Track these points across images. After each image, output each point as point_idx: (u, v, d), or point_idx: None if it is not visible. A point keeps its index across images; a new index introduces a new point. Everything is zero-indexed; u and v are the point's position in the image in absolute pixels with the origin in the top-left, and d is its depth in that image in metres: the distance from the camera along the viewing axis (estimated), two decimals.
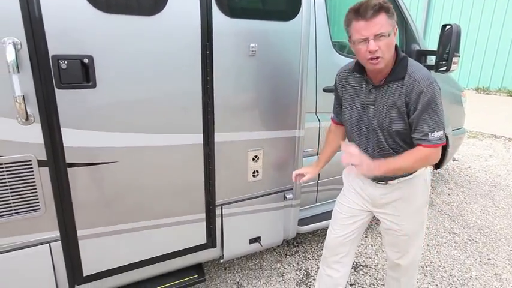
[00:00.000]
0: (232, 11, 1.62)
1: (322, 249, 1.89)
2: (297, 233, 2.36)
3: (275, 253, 2.68)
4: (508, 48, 9.44)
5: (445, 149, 3.40)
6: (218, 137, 1.75)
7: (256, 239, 2.11)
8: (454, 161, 4.77)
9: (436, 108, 1.37)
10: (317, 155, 2.45)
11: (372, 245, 2.82)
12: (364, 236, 2.94)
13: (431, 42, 8.69)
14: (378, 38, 1.33)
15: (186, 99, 1.62)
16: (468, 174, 4.38)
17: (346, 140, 1.71)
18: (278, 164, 2.02)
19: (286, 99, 1.92)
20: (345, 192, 1.79)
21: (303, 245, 2.79)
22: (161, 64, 1.52)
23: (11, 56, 1.21)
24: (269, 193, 2.06)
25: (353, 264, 2.56)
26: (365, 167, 1.39)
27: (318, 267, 2.39)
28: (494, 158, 4.95)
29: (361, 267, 2.55)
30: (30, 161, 1.37)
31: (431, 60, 2.73)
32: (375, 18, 1.31)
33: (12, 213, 1.40)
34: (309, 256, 2.65)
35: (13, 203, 1.39)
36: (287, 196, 2.12)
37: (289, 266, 2.54)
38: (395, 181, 1.58)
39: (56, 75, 1.33)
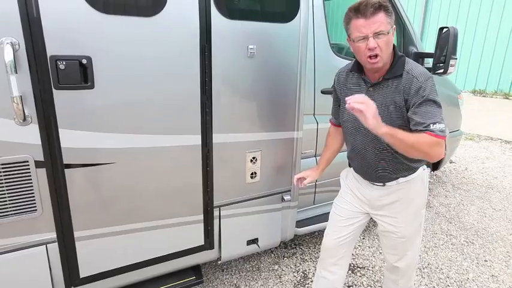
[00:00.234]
0: (230, 13, 1.63)
1: (319, 251, 1.89)
2: (295, 235, 2.36)
3: (273, 255, 2.68)
4: (504, 52, 9.52)
5: None
6: (216, 138, 1.75)
7: (254, 241, 2.10)
8: (451, 163, 4.79)
9: (435, 102, 1.37)
10: (315, 156, 2.45)
11: (369, 247, 2.82)
12: (362, 237, 2.94)
13: (428, 45, 8.75)
14: (377, 36, 1.35)
15: (185, 100, 1.62)
16: (465, 176, 4.41)
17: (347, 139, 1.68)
18: (276, 166, 2.02)
19: (284, 100, 1.92)
20: (343, 194, 1.79)
21: (301, 247, 2.78)
22: (159, 65, 1.51)
23: (8, 56, 1.20)
24: (267, 195, 2.06)
25: (350, 265, 2.56)
26: (371, 116, 1.29)
27: (316, 269, 2.40)
28: (491, 160, 4.98)
29: (359, 268, 2.55)
30: (27, 161, 1.37)
31: (429, 62, 2.75)
32: (374, 16, 1.33)
33: (8, 215, 1.39)
34: (306, 258, 2.65)
35: (10, 204, 1.38)
36: (285, 198, 2.12)
37: (286, 267, 2.54)
38: (393, 182, 1.58)
39: (54, 76, 1.32)
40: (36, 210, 1.43)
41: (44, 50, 1.29)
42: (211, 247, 1.93)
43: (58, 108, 1.36)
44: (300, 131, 2.02)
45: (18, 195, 1.39)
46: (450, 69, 2.44)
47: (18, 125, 1.32)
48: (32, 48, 1.27)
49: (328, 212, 1.86)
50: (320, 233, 2.84)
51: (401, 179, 1.57)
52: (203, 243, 1.90)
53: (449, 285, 2.41)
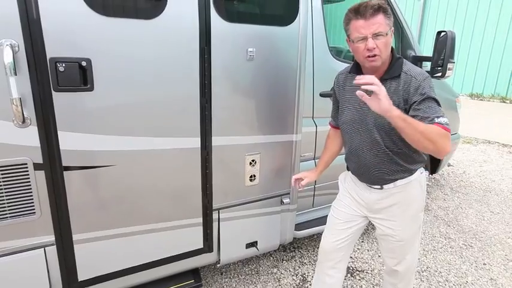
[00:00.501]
0: (230, 16, 1.63)
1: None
2: (294, 238, 2.36)
3: (272, 258, 2.67)
4: (501, 55, 9.59)
5: None
6: (216, 140, 1.75)
7: (253, 244, 2.10)
8: (449, 166, 4.80)
9: (435, 99, 1.39)
10: (314, 159, 2.45)
11: (368, 250, 2.82)
12: (361, 241, 2.94)
13: (425, 49, 8.80)
14: (376, 37, 1.37)
15: (184, 103, 1.62)
16: (463, 179, 4.42)
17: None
18: (275, 169, 2.02)
19: (283, 103, 1.92)
20: (341, 197, 1.79)
21: (300, 250, 2.78)
22: (159, 67, 1.52)
23: (8, 58, 1.20)
24: (266, 197, 2.05)
25: (349, 269, 2.55)
26: (384, 97, 1.26)
27: (315, 272, 2.39)
28: (489, 164, 4.99)
29: (358, 272, 2.54)
30: (26, 164, 1.36)
31: (427, 66, 2.76)
32: (374, 17, 1.36)
33: (7, 217, 1.38)
34: (305, 261, 2.64)
35: (8, 206, 1.37)
36: (284, 200, 2.11)
37: (285, 271, 2.53)
38: (391, 185, 1.58)
39: (54, 78, 1.32)
40: (34, 212, 1.43)
41: (43, 52, 1.29)
42: (210, 250, 1.93)
43: (57, 111, 1.36)
44: (299, 134, 2.02)
45: (17, 198, 1.38)
46: (448, 72, 2.46)
47: (17, 127, 1.31)
48: (32, 50, 1.27)
49: (328, 215, 1.86)
50: (319, 236, 2.82)
51: (398, 182, 1.57)
52: (202, 246, 1.89)
53: None
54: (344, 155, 1.76)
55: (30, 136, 1.35)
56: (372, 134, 1.51)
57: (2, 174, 1.33)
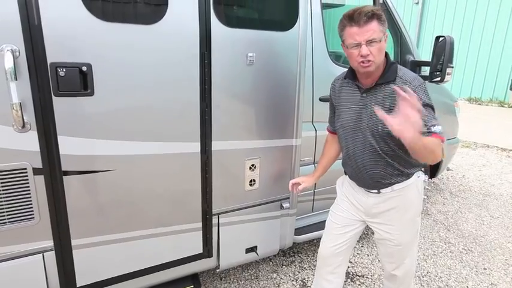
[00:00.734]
0: (230, 21, 1.64)
1: None
2: (294, 243, 2.35)
3: (271, 263, 2.66)
4: (499, 60, 9.64)
5: None
6: (215, 145, 1.75)
7: (253, 249, 2.09)
8: (448, 170, 4.80)
9: (430, 105, 1.41)
10: (313, 164, 2.45)
11: (368, 255, 2.81)
12: (361, 245, 2.93)
13: (424, 53, 8.84)
14: (369, 44, 1.38)
15: (184, 108, 1.62)
16: (462, 183, 4.42)
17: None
18: (275, 173, 2.02)
19: (283, 108, 1.93)
20: (339, 201, 1.80)
21: (299, 255, 2.77)
22: (159, 72, 1.52)
23: (9, 63, 1.20)
24: (266, 202, 2.05)
25: (349, 274, 2.54)
26: (418, 126, 1.20)
27: (314, 278, 2.37)
28: (488, 168, 5.00)
29: (358, 277, 2.53)
30: (25, 169, 1.36)
31: (425, 70, 2.78)
32: (367, 24, 1.37)
33: (5, 223, 1.37)
34: (305, 266, 2.63)
35: (7, 211, 1.37)
36: (284, 205, 2.11)
37: (285, 276, 2.52)
38: (388, 190, 1.59)
39: (54, 83, 1.32)
40: (33, 218, 1.42)
41: (44, 57, 1.29)
42: (209, 255, 1.92)
43: (57, 115, 1.36)
44: (299, 139, 2.02)
45: (16, 203, 1.37)
46: (447, 77, 2.47)
47: (17, 132, 1.31)
48: (33, 55, 1.27)
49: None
50: (319, 241, 2.81)
51: (395, 186, 1.58)
52: (202, 251, 1.89)
53: None
54: (341, 160, 1.77)
55: (30, 141, 1.34)
56: (368, 139, 1.53)
57: (1, 179, 1.33)
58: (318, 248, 1.86)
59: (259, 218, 2.05)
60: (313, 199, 2.55)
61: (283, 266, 2.63)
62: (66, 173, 1.43)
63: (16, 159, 1.34)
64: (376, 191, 1.61)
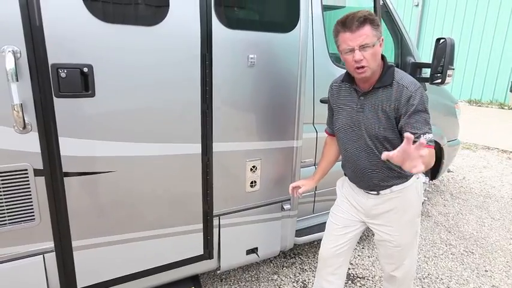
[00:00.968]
0: (231, 22, 1.64)
1: None
2: (294, 244, 2.34)
3: (272, 264, 2.65)
4: (499, 62, 9.65)
5: (440, 160, 3.42)
6: (216, 146, 1.74)
7: (254, 250, 2.09)
8: (448, 172, 4.80)
9: (425, 111, 1.41)
10: (314, 165, 2.45)
11: (369, 257, 2.80)
12: (361, 247, 2.92)
13: (424, 55, 8.85)
14: (363, 49, 1.39)
15: (185, 109, 1.62)
16: (463, 185, 4.41)
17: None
18: (276, 175, 2.02)
19: (284, 109, 1.93)
20: (339, 203, 1.81)
21: (300, 257, 2.76)
22: (160, 74, 1.52)
23: (10, 64, 1.20)
24: (267, 204, 2.05)
25: (350, 276, 2.54)
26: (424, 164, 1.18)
27: (315, 279, 2.37)
28: (488, 170, 4.99)
29: (358, 278, 2.53)
30: (26, 170, 1.35)
31: (426, 72, 2.78)
32: (360, 30, 1.38)
33: (6, 224, 1.37)
34: (306, 268, 2.62)
35: (7, 212, 1.36)
36: (285, 207, 2.10)
37: (286, 277, 2.51)
38: (387, 191, 1.60)
39: (55, 84, 1.32)
40: (34, 219, 1.42)
41: (45, 58, 1.29)
42: (210, 257, 1.91)
43: (58, 116, 1.36)
44: (300, 140, 2.02)
45: (16, 204, 1.37)
46: (448, 79, 2.47)
47: (17, 133, 1.31)
48: (34, 57, 1.27)
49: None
50: (320, 242, 2.81)
51: (395, 188, 1.59)
52: (202, 253, 1.88)
53: None
54: (341, 162, 1.77)
55: (31, 142, 1.34)
56: (366, 141, 1.54)
57: (2, 180, 1.32)
58: (319, 249, 1.86)
59: (260, 219, 2.04)
60: (314, 201, 2.55)
61: (284, 268, 2.62)
62: (67, 174, 1.43)
63: (17, 160, 1.33)
64: (375, 192, 1.62)
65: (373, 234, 2.96)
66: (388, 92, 1.46)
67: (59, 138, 1.38)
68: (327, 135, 1.86)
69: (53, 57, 1.30)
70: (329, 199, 2.54)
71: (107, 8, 1.36)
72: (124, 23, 1.40)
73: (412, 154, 1.11)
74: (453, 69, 2.49)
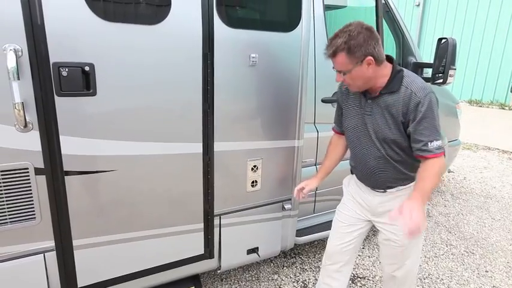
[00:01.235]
0: (233, 22, 1.64)
1: (319, 261, 1.89)
2: (295, 244, 2.34)
3: (272, 264, 2.65)
4: (500, 62, 9.63)
5: None
6: (217, 146, 1.74)
7: (254, 250, 2.08)
8: (449, 172, 4.79)
9: (434, 117, 1.41)
10: (315, 165, 2.45)
11: (369, 257, 2.80)
12: (362, 247, 2.92)
13: (425, 54, 8.81)
14: (341, 72, 1.45)
15: (186, 108, 1.62)
16: (464, 185, 4.41)
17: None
18: (277, 174, 2.02)
19: (285, 109, 1.92)
20: (345, 201, 1.81)
21: (300, 256, 2.76)
22: (162, 73, 1.52)
23: (11, 62, 1.20)
24: (268, 203, 2.04)
25: (351, 276, 2.53)
26: (422, 221, 1.32)
27: (316, 279, 2.37)
28: (489, 170, 4.99)
29: (359, 278, 2.52)
30: (27, 168, 1.35)
31: (428, 72, 2.77)
32: (334, 58, 1.43)
33: (7, 222, 1.37)
34: (306, 267, 2.62)
35: (8, 211, 1.36)
36: (285, 206, 2.10)
37: (286, 277, 2.51)
38: (394, 189, 1.60)
39: (57, 83, 1.32)
40: (35, 218, 1.41)
41: (47, 57, 1.29)
42: (211, 256, 1.91)
43: (59, 115, 1.36)
44: (301, 140, 2.02)
45: (17, 203, 1.37)
46: (449, 79, 2.47)
47: (19, 132, 1.31)
48: (35, 55, 1.27)
49: (329, 221, 1.87)
50: (320, 242, 2.82)
51: (401, 186, 1.60)
52: (203, 252, 1.88)
53: None
54: (346, 161, 1.77)
55: (32, 140, 1.34)
56: (374, 143, 1.55)
57: (2, 178, 1.32)
58: (320, 249, 1.87)
59: (260, 219, 2.04)
60: (315, 200, 2.54)
61: (284, 268, 2.62)
62: (68, 173, 1.43)
63: (18, 159, 1.33)
64: (382, 190, 1.63)
65: (373, 235, 2.97)
66: (396, 97, 1.45)
67: (60, 137, 1.38)
68: (334, 133, 1.85)
69: (55, 55, 1.30)
70: (330, 199, 2.54)
71: (109, 7, 1.36)
72: (126, 22, 1.40)
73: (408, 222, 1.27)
74: (455, 69, 2.49)
